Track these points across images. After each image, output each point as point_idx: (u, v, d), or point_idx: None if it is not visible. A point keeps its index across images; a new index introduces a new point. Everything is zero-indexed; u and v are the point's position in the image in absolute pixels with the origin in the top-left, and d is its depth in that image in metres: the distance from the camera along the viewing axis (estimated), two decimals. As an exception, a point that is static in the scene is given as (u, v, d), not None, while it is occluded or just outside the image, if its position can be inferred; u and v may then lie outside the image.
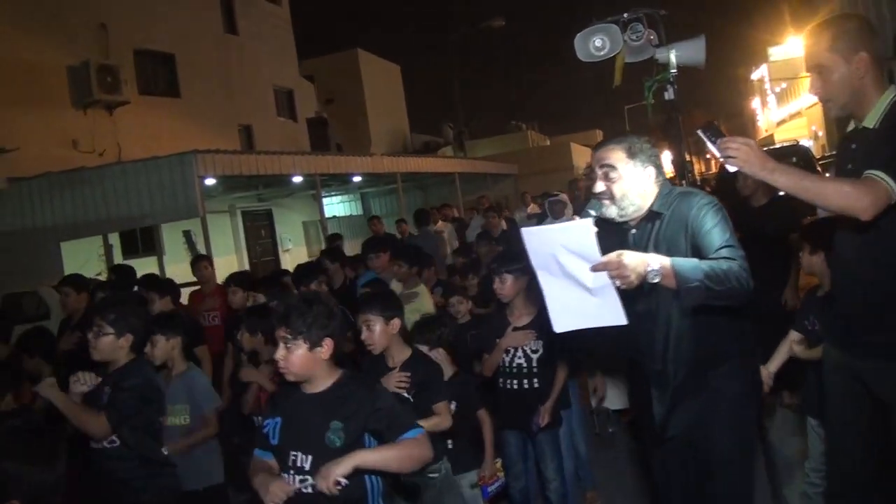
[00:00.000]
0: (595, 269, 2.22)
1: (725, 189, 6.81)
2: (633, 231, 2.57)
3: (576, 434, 3.99)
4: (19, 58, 13.20)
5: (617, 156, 2.52)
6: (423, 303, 4.97)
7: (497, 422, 3.65)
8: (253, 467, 2.34)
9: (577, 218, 2.47)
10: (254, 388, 3.91)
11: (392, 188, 17.69)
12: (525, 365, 3.60)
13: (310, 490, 2.20)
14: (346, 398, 2.29)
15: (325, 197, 16.67)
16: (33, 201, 11.28)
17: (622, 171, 2.51)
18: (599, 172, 2.55)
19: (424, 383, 3.11)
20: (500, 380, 3.67)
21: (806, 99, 32.91)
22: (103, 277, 8.74)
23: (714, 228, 2.36)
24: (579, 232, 2.24)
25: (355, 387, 2.34)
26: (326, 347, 2.29)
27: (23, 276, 10.34)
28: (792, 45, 35.34)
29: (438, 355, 3.48)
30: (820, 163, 14.44)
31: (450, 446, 3.38)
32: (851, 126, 2.45)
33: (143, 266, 9.57)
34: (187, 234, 14.39)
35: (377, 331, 3.09)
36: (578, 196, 8.77)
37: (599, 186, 2.54)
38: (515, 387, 3.62)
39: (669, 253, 2.33)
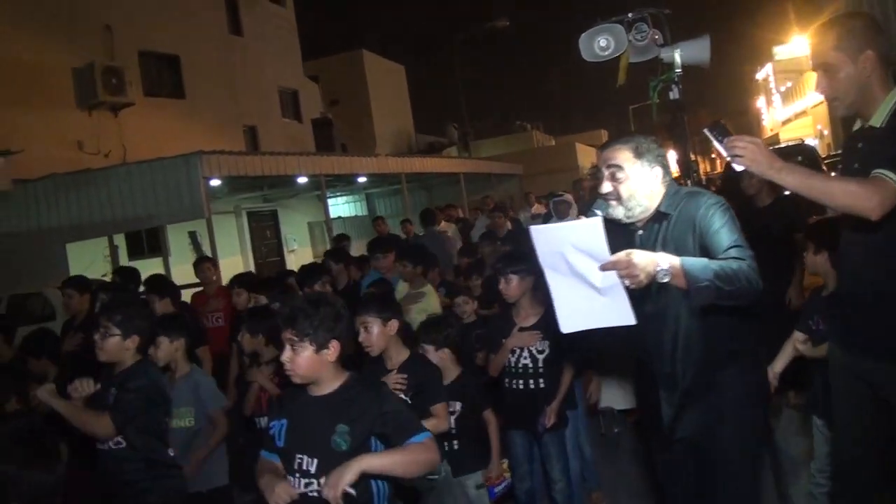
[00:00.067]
0: (604, 267, 2.19)
1: (731, 189, 6.80)
2: (640, 232, 2.55)
3: (581, 434, 3.98)
4: (24, 59, 13.26)
5: (624, 156, 2.49)
6: (429, 303, 4.97)
7: (503, 422, 3.64)
8: (260, 468, 2.32)
9: (583, 218, 2.45)
10: (254, 388, 3.91)
11: (397, 189, 17.70)
12: (531, 365, 3.59)
13: (315, 494, 2.17)
14: (352, 401, 2.26)
15: (331, 197, 16.68)
16: (38, 203, 11.29)
17: (629, 172, 2.48)
18: (606, 173, 2.52)
19: (422, 385, 3.10)
20: (506, 380, 3.67)
21: (811, 98, 32.77)
22: (109, 279, 8.76)
23: (722, 228, 2.34)
24: (588, 230, 2.21)
25: (362, 389, 2.31)
26: (333, 349, 2.26)
27: (28, 278, 10.36)
28: (797, 44, 35.22)
29: (444, 357, 3.48)
30: (825, 162, 14.39)
31: (455, 447, 3.37)
32: (857, 125, 2.44)
33: (149, 267, 9.63)
34: (193, 235, 14.44)
35: (375, 332, 3.07)
36: (583, 196, 8.75)
37: (606, 187, 2.51)
38: (521, 387, 3.61)
39: (677, 253, 2.30)
